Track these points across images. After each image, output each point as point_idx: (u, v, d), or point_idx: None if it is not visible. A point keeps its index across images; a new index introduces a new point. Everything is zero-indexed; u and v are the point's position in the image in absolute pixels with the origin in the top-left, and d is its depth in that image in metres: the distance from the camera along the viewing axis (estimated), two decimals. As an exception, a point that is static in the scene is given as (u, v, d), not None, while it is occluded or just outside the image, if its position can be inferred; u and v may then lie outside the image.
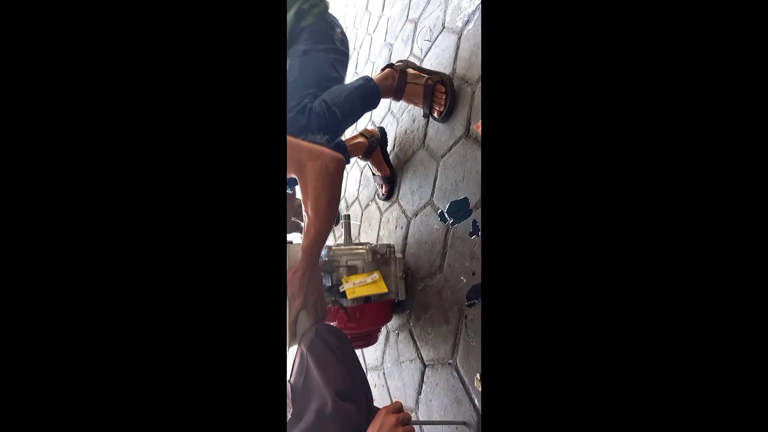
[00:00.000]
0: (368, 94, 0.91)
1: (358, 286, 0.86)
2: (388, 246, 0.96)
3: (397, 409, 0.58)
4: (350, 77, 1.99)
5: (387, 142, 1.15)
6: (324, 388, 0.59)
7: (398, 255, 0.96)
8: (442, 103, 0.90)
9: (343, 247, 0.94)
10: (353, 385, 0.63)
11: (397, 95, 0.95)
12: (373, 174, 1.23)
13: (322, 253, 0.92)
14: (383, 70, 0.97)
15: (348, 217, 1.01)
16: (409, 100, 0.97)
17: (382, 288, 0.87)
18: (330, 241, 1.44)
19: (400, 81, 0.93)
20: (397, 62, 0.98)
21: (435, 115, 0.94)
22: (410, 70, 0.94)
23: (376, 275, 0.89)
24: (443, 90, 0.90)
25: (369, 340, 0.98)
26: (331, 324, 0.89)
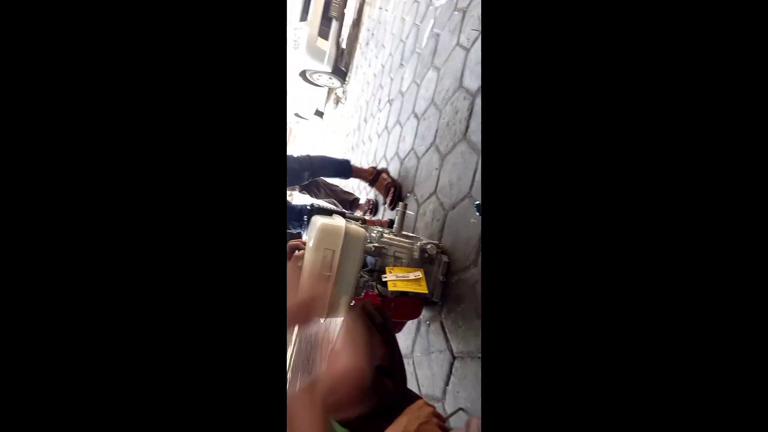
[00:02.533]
0: (342, 164, 1.53)
1: (400, 280, 0.88)
2: (437, 246, 0.97)
3: (432, 404, 0.60)
4: (395, 69, 1.99)
5: (400, 195, 1.49)
6: (365, 363, 0.62)
7: (445, 258, 0.96)
8: (390, 199, 1.47)
9: (394, 236, 0.97)
10: (392, 364, 0.66)
11: (372, 183, 1.55)
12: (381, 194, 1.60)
13: (373, 235, 0.96)
14: (370, 167, 1.61)
15: (405, 206, 1.02)
16: (378, 188, 1.55)
17: (422, 288, 0.88)
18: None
19: (375, 175, 1.54)
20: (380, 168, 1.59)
21: (387, 203, 1.50)
22: (384, 175, 1.53)
23: (419, 273, 0.90)
24: (393, 191, 1.46)
25: (395, 327, 1.01)
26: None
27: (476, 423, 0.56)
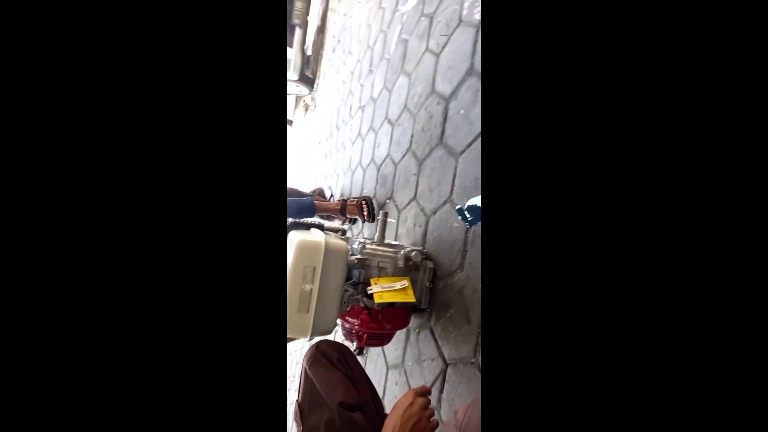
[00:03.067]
0: (305, 204, 1.58)
1: (386, 291, 0.86)
2: (422, 253, 0.96)
3: (425, 392, 0.59)
4: (365, 75, 1.99)
5: (373, 206, 1.55)
6: (329, 402, 0.61)
7: (430, 264, 0.95)
8: (366, 214, 1.51)
9: (376, 246, 0.94)
10: (359, 396, 0.65)
11: (342, 213, 1.59)
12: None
13: (354, 247, 0.94)
14: (337, 200, 1.68)
15: (386, 214, 1.00)
16: (351, 213, 1.58)
17: (410, 297, 0.87)
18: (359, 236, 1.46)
19: (342, 205, 1.58)
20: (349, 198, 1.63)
21: (366, 219, 1.53)
22: (349, 200, 1.58)
23: (405, 282, 0.89)
24: (365, 205, 1.50)
25: (384, 340, 0.99)
26: (353, 319, 0.91)
27: (463, 409, 0.55)
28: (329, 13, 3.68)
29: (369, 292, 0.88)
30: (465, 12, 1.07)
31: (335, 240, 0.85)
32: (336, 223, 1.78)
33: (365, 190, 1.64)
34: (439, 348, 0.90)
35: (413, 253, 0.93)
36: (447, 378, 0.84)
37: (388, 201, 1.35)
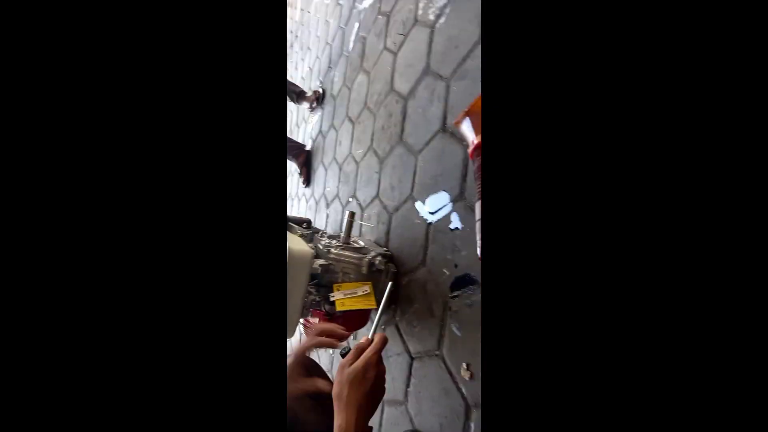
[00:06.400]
0: None
1: (348, 298, 0.86)
2: (385, 256, 0.96)
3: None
4: (324, 72, 1.96)
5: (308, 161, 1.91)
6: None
7: (392, 268, 0.96)
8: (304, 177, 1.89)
9: (341, 252, 0.93)
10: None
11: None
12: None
13: (320, 247, 0.92)
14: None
15: (353, 215, 0.99)
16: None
17: (371, 303, 0.88)
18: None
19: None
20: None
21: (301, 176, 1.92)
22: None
23: (367, 288, 0.89)
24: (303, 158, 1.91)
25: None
26: (313, 319, 0.90)
27: None
28: (287, 8, 3.57)
29: (331, 299, 0.87)
30: (420, 12, 1.09)
31: (300, 247, 0.83)
32: (305, 104, 1.97)
33: (327, 188, 1.62)
34: (404, 343, 0.92)
35: (377, 260, 0.94)
36: (413, 372, 0.86)
37: (351, 199, 1.35)
